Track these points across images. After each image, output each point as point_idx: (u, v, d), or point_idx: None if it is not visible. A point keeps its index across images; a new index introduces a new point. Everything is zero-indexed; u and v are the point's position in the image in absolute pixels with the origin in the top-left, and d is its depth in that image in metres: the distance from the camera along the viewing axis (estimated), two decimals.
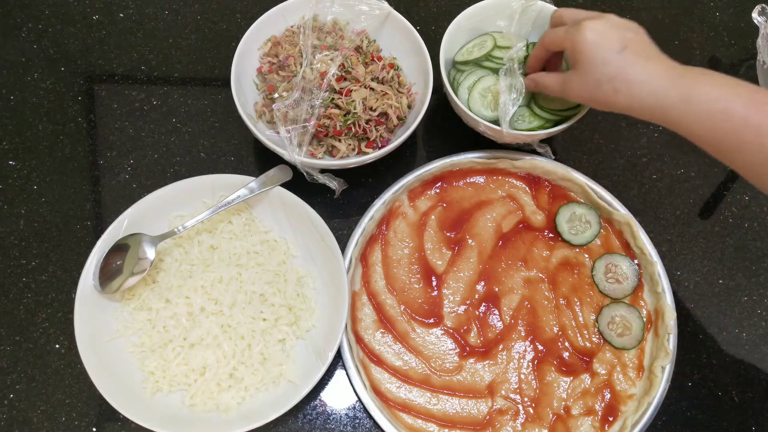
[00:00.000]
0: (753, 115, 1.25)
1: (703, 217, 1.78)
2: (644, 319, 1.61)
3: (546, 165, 1.72)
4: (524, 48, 1.69)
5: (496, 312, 1.62)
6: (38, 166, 1.74)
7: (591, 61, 1.40)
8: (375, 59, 1.70)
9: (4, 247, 1.65)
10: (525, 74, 1.63)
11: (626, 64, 1.37)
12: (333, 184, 1.63)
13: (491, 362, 1.58)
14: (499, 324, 1.62)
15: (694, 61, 1.97)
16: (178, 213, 1.62)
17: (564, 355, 1.59)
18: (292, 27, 1.74)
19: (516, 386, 1.56)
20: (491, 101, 1.68)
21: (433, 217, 1.70)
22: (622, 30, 1.42)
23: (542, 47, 1.56)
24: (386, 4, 1.71)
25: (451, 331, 1.60)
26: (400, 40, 1.75)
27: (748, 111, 1.25)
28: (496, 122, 1.63)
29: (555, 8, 1.71)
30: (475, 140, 1.77)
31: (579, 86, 1.44)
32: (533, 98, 1.69)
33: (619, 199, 1.73)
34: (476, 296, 1.64)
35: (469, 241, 1.68)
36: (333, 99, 1.61)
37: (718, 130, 1.28)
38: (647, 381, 1.55)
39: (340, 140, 1.63)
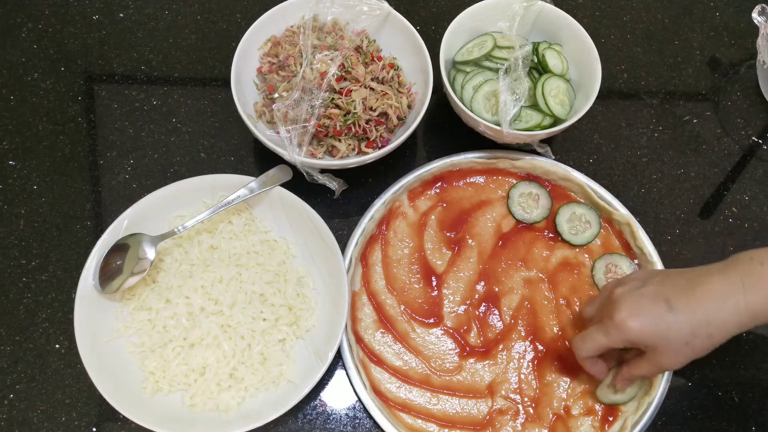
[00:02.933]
0: None
1: (703, 217, 1.78)
2: None
3: (546, 165, 1.72)
4: (530, 49, 1.69)
5: (496, 312, 1.62)
6: (38, 166, 1.74)
7: (659, 341, 1.31)
8: (375, 59, 1.70)
9: (4, 247, 1.65)
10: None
11: (690, 314, 1.29)
12: (333, 184, 1.63)
13: (491, 362, 1.58)
14: (499, 324, 1.62)
15: (694, 62, 1.98)
16: (178, 213, 1.62)
17: (564, 355, 1.59)
18: (292, 27, 1.74)
19: (516, 386, 1.56)
20: (494, 105, 1.68)
21: (433, 217, 1.70)
22: (642, 291, 1.36)
23: (588, 360, 1.45)
24: (386, 4, 1.71)
25: (451, 331, 1.60)
26: (400, 40, 1.75)
27: None
28: (496, 124, 1.63)
29: (554, 7, 1.72)
30: (475, 140, 1.77)
31: (672, 359, 1.34)
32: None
33: (619, 199, 1.73)
34: (476, 296, 1.64)
35: (469, 241, 1.68)
36: (333, 99, 1.61)
37: None
38: (647, 381, 1.55)
39: (340, 140, 1.63)
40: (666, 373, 1.55)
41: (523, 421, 1.53)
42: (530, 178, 1.74)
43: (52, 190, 1.72)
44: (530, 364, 1.58)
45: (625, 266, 1.65)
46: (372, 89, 1.65)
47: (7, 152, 1.75)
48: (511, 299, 1.64)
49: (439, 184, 1.73)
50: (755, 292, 1.27)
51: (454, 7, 1.92)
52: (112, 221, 1.53)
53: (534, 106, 1.70)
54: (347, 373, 1.55)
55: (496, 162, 1.73)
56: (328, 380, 1.57)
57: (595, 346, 1.38)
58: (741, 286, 1.28)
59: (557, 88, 1.69)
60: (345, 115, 1.61)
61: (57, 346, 1.57)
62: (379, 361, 1.57)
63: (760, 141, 1.87)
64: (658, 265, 1.64)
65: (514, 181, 1.73)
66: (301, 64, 1.62)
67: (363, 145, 1.65)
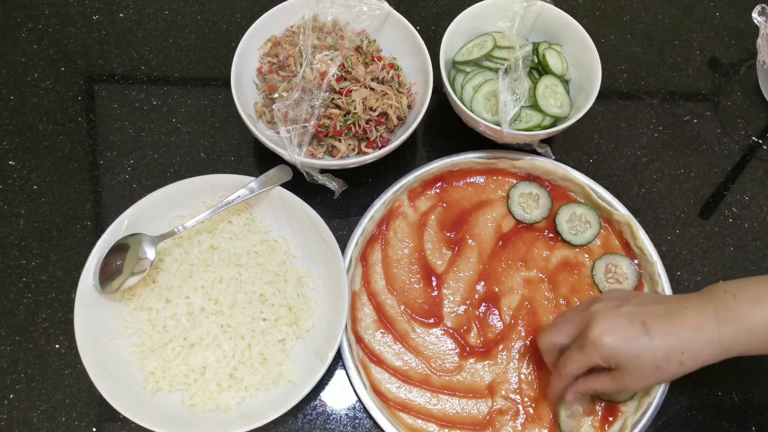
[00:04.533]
0: None
1: (703, 217, 1.78)
2: None
3: (546, 165, 1.72)
4: (530, 49, 1.69)
5: (496, 312, 1.62)
6: (38, 166, 1.74)
7: (632, 360, 1.31)
8: (375, 59, 1.70)
9: (4, 247, 1.65)
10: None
11: (665, 339, 1.30)
12: (333, 185, 1.63)
13: (491, 362, 1.58)
14: (499, 324, 1.62)
15: (694, 62, 1.98)
16: (178, 213, 1.62)
17: None
18: (292, 27, 1.74)
19: (516, 386, 1.56)
20: (494, 105, 1.68)
21: (433, 217, 1.70)
22: (620, 310, 1.36)
23: (563, 378, 1.43)
24: (386, 4, 1.71)
25: (451, 331, 1.60)
26: (400, 40, 1.75)
27: None
28: (496, 124, 1.63)
29: (554, 7, 1.72)
30: (475, 140, 1.77)
31: (637, 381, 1.34)
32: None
33: (619, 199, 1.73)
34: (476, 296, 1.64)
35: (469, 241, 1.68)
36: (333, 99, 1.61)
37: None
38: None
39: (340, 140, 1.63)
40: None
41: (523, 421, 1.53)
42: (530, 178, 1.74)
43: (52, 190, 1.72)
44: (530, 364, 1.58)
45: (625, 266, 1.65)
46: (372, 89, 1.65)
47: (7, 152, 1.75)
48: (511, 299, 1.64)
49: (439, 184, 1.73)
50: (729, 324, 1.28)
51: (454, 7, 1.93)
52: (112, 221, 1.53)
53: (534, 106, 1.70)
54: (347, 373, 1.55)
55: (496, 162, 1.73)
56: (328, 380, 1.57)
57: (574, 367, 1.38)
58: (716, 318, 1.29)
59: (554, 86, 1.70)
60: (345, 115, 1.61)
61: (57, 346, 1.57)
62: (379, 361, 1.57)
63: (760, 141, 1.87)
64: (658, 265, 1.64)
65: (514, 181, 1.73)
66: (301, 64, 1.62)
67: (363, 145, 1.65)
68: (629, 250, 1.68)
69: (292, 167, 1.63)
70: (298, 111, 1.58)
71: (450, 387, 1.56)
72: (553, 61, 1.72)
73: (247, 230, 1.62)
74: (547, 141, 1.76)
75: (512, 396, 1.55)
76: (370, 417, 1.52)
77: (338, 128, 1.61)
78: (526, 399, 1.55)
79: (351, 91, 1.62)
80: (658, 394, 1.53)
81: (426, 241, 1.68)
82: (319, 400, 1.56)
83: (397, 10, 1.73)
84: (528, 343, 1.60)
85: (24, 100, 1.81)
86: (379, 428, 1.51)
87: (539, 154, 1.74)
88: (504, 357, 1.58)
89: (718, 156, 1.85)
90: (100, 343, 1.47)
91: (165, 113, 1.82)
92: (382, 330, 1.59)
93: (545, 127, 1.67)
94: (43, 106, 1.81)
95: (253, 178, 1.58)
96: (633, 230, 1.65)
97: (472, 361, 1.58)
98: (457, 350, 1.59)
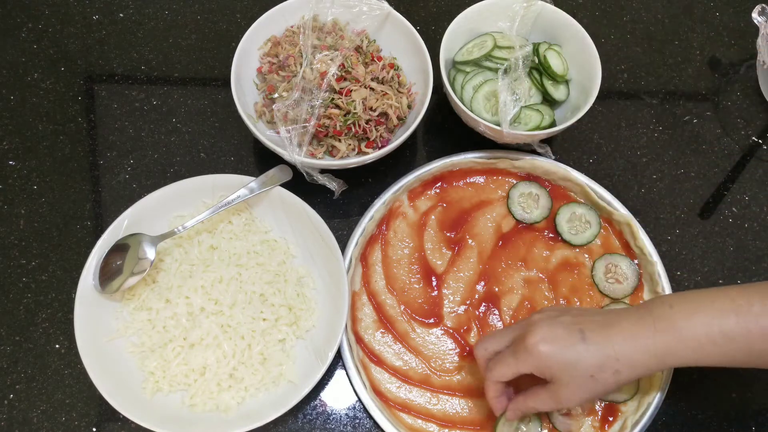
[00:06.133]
0: (753, 325, 1.26)
1: (703, 217, 1.78)
2: None
3: (546, 165, 1.72)
4: (530, 49, 1.69)
5: (496, 312, 1.62)
6: (38, 166, 1.74)
7: (567, 369, 1.30)
8: (375, 59, 1.70)
9: (4, 247, 1.65)
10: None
11: (600, 347, 1.30)
12: (333, 184, 1.63)
13: None
14: (500, 324, 1.62)
15: (694, 62, 1.98)
16: (178, 213, 1.62)
17: None
18: (292, 27, 1.74)
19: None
20: (494, 105, 1.68)
21: (433, 217, 1.70)
22: (559, 319, 1.35)
23: (495, 385, 1.42)
24: (386, 4, 1.71)
25: (451, 331, 1.60)
26: (400, 40, 1.75)
27: (748, 322, 1.26)
28: (496, 124, 1.63)
29: (554, 7, 1.72)
30: (475, 140, 1.77)
31: (574, 393, 1.32)
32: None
33: (619, 199, 1.73)
34: (476, 296, 1.64)
35: (469, 241, 1.68)
36: (333, 99, 1.61)
37: (728, 351, 1.28)
38: (647, 381, 1.55)
39: (340, 140, 1.63)
40: (666, 373, 1.54)
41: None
42: (530, 178, 1.74)
43: (52, 190, 1.72)
44: None
45: (625, 266, 1.65)
46: (372, 89, 1.65)
47: (7, 152, 1.75)
48: (511, 299, 1.64)
49: (439, 184, 1.73)
50: (665, 334, 1.28)
51: (454, 7, 1.92)
52: (112, 221, 1.53)
53: (533, 106, 1.70)
54: (347, 373, 1.55)
55: (496, 162, 1.73)
56: (328, 380, 1.57)
57: (504, 371, 1.37)
58: (653, 328, 1.29)
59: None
60: (345, 115, 1.61)
61: (57, 346, 1.57)
62: (379, 361, 1.57)
63: (760, 141, 1.87)
64: (658, 265, 1.64)
65: (514, 181, 1.73)
66: (301, 64, 1.62)
67: (363, 145, 1.65)
68: (629, 250, 1.68)
69: (292, 167, 1.63)
70: (298, 111, 1.58)
71: (450, 387, 1.56)
72: (554, 61, 1.72)
73: (247, 230, 1.62)
74: (547, 141, 1.76)
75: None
76: (370, 417, 1.52)
77: (338, 128, 1.61)
78: None
79: (351, 91, 1.62)
80: (658, 394, 1.53)
81: (426, 241, 1.68)
82: (319, 400, 1.56)
83: (397, 10, 1.73)
84: None
85: (24, 100, 1.82)
86: (379, 428, 1.51)
87: (539, 154, 1.74)
88: None
89: (718, 156, 1.85)
90: (100, 343, 1.47)
91: (165, 113, 1.82)
92: (382, 330, 1.60)
93: (545, 127, 1.67)
94: (43, 106, 1.81)
95: (253, 178, 1.58)
96: (633, 230, 1.65)
97: (472, 361, 1.58)
98: (458, 350, 1.59)
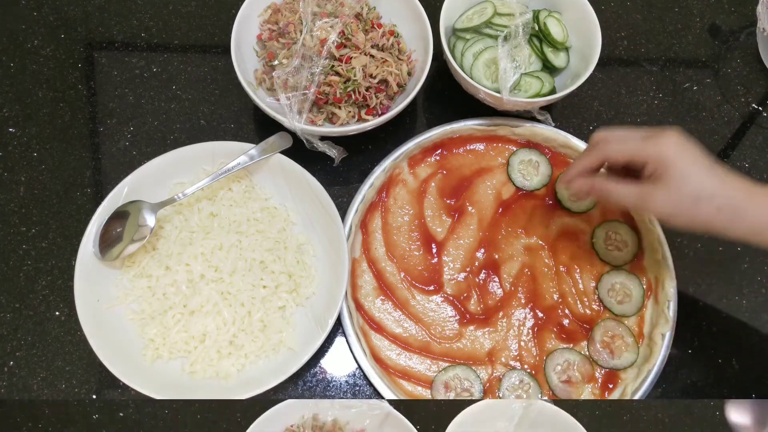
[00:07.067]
0: None
1: None
2: (644, 287, 1.61)
3: (546, 132, 1.72)
4: (530, 16, 1.69)
5: (496, 279, 1.63)
6: (38, 133, 1.74)
7: (682, 176, 1.28)
8: (375, 26, 1.69)
9: (4, 215, 1.65)
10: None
11: (721, 183, 1.28)
12: (333, 152, 1.63)
13: (491, 329, 1.58)
14: (499, 291, 1.62)
15: (694, 28, 1.97)
16: (178, 180, 1.62)
17: (564, 322, 1.59)
18: None
19: (516, 353, 1.56)
20: (494, 72, 1.67)
21: (433, 184, 1.70)
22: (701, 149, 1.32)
23: (600, 158, 1.42)
24: None
25: (451, 298, 1.61)
26: (400, 7, 1.74)
27: None
28: (496, 92, 1.63)
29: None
30: (474, 107, 1.76)
31: (665, 201, 1.30)
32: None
33: None
34: (476, 263, 1.64)
35: (469, 208, 1.68)
36: (333, 66, 1.60)
37: None
38: (647, 348, 1.56)
39: (340, 107, 1.63)
40: (666, 341, 1.55)
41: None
42: (530, 145, 1.74)
43: (52, 157, 1.72)
44: (530, 331, 1.58)
45: (624, 233, 1.65)
46: (372, 56, 1.64)
47: (7, 119, 1.75)
48: (511, 266, 1.64)
49: (439, 151, 1.73)
50: None
51: None
52: (112, 188, 1.53)
53: (533, 73, 1.70)
54: (347, 341, 1.56)
55: (495, 129, 1.73)
56: (328, 347, 1.58)
57: (621, 147, 1.37)
58: None
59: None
60: (345, 83, 1.61)
61: (57, 313, 1.57)
62: (379, 329, 1.57)
63: (759, 108, 1.86)
64: (659, 230, 1.63)
65: (514, 149, 1.73)
66: (301, 31, 1.61)
67: (363, 112, 1.65)
68: (629, 217, 1.68)
69: (292, 134, 1.62)
70: (298, 78, 1.57)
71: (450, 354, 1.56)
72: (554, 28, 1.71)
73: (247, 197, 1.62)
74: (547, 108, 1.75)
75: (512, 363, 1.55)
76: (370, 384, 1.53)
77: (338, 95, 1.60)
78: (526, 366, 1.56)
79: (351, 58, 1.61)
80: (658, 361, 1.54)
81: (426, 209, 1.68)
82: (319, 367, 1.56)
83: None
84: (528, 309, 1.60)
85: (24, 68, 1.81)
86: (379, 395, 1.52)
87: (539, 121, 1.74)
88: (504, 324, 1.59)
89: (717, 123, 1.84)
90: (100, 311, 1.47)
91: (165, 80, 1.82)
92: (382, 297, 1.60)
93: (545, 95, 1.67)
94: (43, 73, 1.81)
95: (253, 146, 1.58)
96: None
97: (472, 328, 1.58)
98: (457, 317, 1.59)
